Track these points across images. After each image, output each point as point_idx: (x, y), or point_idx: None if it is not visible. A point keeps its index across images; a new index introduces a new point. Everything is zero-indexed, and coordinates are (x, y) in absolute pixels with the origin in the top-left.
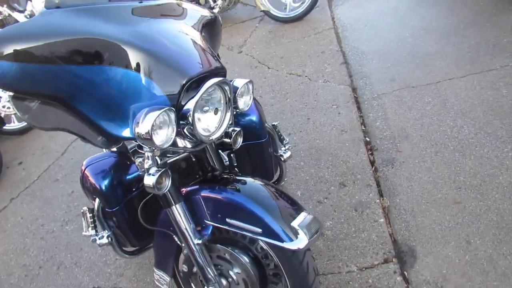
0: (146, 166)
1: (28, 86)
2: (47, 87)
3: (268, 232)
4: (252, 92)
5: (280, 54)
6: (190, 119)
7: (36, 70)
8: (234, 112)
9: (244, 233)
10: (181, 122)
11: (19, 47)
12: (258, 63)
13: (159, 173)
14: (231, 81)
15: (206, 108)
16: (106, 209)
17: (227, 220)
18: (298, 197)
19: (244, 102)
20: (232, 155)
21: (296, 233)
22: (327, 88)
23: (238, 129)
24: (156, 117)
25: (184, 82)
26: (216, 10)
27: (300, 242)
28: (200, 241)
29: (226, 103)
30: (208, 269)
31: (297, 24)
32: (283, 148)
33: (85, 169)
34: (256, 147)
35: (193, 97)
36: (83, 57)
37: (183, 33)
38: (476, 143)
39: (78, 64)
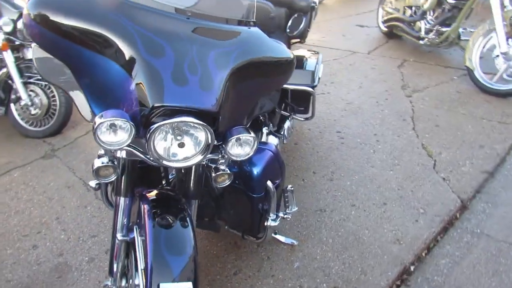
0: (99, 152)
1: (48, 47)
2: (62, 54)
3: (145, 272)
4: (255, 149)
5: (440, 121)
6: (147, 138)
7: (58, 40)
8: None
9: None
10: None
11: (52, 17)
12: (409, 118)
13: (104, 164)
14: (240, 126)
15: (179, 137)
16: None
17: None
18: (293, 268)
19: (242, 153)
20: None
21: None
22: (438, 188)
23: (227, 171)
24: (102, 122)
25: (152, 105)
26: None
27: None
28: (120, 238)
29: (206, 145)
30: (116, 264)
31: (492, 100)
32: (280, 214)
33: None
34: (246, 197)
35: (157, 122)
36: (96, 45)
37: (204, 62)
38: None
39: (90, 49)
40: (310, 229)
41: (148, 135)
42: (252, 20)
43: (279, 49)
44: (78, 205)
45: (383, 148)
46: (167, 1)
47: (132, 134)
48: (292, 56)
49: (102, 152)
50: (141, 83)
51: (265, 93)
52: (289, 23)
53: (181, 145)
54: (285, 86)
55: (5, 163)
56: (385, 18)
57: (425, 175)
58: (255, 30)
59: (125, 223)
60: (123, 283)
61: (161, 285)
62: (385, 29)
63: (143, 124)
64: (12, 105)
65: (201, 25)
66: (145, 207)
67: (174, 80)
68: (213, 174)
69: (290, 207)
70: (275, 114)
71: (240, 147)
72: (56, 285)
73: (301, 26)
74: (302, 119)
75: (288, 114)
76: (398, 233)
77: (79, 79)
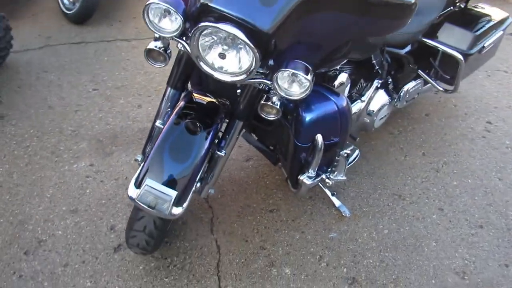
0: (156, 34)
1: None
2: None
3: (144, 162)
4: (304, 94)
5: None
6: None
7: None
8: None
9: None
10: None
11: None
12: None
13: (156, 48)
14: (301, 61)
15: (225, 47)
16: None
17: None
18: (326, 236)
19: (289, 91)
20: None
21: (139, 185)
22: None
23: (276, 106)
24: (152, 2)
25: (202, 1)
26: None
27: (133, 191)
28: (157, 124)
29: (248, 68)
30: (149, 145)
31: None
32: (322, 176)
33: None
34: (291, 140)
35: (202, 22)
36: None
37: None
38: None
39: None
40: (373, 209)
41: (192, 31)
42: None
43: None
44: None
45: None
46: None
47: (180, 26)
48: (412, 1)
49: (156, 35)
50: None
51: (357, 36)
52: None
53: (222, 55)
54: (433, 43)
55: None
56: None
57: None
58: None
59: (168, 112)
60: None
61: (147, 180)
62: None
63: (194, 19)
64: None
65: None
66: (181, 104)
67: None
68: (262, 102)
69: (336, 173)
70: (404, 68)
71: (292, 83)
72: (135, 143)
73: None
74: (442, 89)
75: (426, 76)
76: (470, 266)
77: None
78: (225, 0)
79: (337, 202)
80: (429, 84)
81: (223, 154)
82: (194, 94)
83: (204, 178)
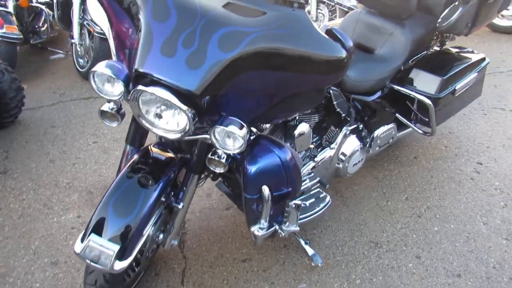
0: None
1: None
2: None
3: (91, 217)
4: (238, 149)
5: None
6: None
7: None
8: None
9: None
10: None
11: None
12: None
13: (109, 110)
14: (235, 118)
15: (163, 107)
16: None
17: None
18: (296, 286)
19: (227, 144)
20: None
21: (85, 238)
22: None
23: (222, 160)
24: (94, 71)
25: (135, 68)
26: None
27: (78, 245)
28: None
29: (183, 128)
30: None
31: None
32: (275, 227)
33: None
34: (240, 188)
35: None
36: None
37: (206, 38)
38: None
39: (119, 4)
40: (347, 258)
41: (131, 93)
42: (300, 0)
43: (323, 43)
44: None
45: None
46: None
47: (122, 91)
48: (343, 56)
49: (108, 99)
50: (139, 45)
51: (293, 91)
52: (445, 12)
53: (159, 115)
54: (401, 88)
55: None
56: None
57: None
58: (298, 13)
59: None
60: None
61: (91, 235)
62: None
63: (133, 83)
64: None
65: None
66: (134, 158)
67: (162, 49)
68: (208, 156)
69: (288, 224)
70: (376, 114)
71: (228, 138)
72: None
73: (453, 17)
74: (421, 132)
75: (404, 120)
76: None
77: (110, 28)
78: (155, 66)
79: (310, 251)
80: (410, 128)
81: (181, 207)
82: (153, 149)
83: (166, 230)
